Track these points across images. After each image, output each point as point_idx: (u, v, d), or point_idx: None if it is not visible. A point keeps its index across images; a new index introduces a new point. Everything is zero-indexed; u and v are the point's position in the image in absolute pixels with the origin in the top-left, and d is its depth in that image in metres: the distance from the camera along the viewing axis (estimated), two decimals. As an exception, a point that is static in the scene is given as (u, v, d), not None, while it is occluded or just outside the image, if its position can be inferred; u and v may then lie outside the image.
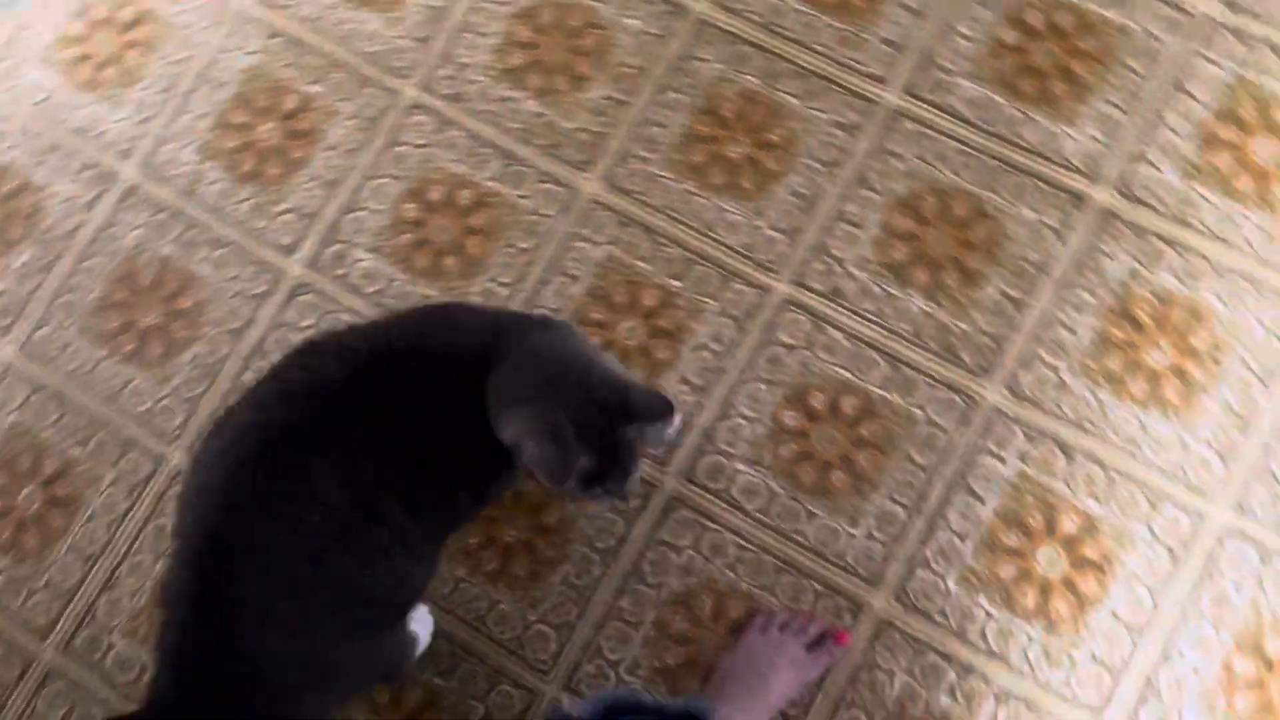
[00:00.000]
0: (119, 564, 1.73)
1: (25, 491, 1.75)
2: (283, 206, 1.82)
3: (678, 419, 1.22)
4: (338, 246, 1.79)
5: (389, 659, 1.41)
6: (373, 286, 1.77)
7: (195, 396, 1.77)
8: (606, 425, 1.22)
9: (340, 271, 1.78)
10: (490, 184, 1.77)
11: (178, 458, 1.73)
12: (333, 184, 1.82)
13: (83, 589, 1.72)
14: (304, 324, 1.75)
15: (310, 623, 1.19)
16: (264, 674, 1.14)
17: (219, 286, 1.79)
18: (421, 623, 1.55)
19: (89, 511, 1.73)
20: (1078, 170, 1.72)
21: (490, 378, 1.23)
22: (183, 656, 1.14)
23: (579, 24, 1.82)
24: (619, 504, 1.59)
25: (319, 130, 1.83)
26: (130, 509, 1.74)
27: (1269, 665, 1.47)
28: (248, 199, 1.82)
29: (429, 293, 1.73)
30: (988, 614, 1.59)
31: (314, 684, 1.21)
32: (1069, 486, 1.63)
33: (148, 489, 1.74)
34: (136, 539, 1.72)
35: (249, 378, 1.73)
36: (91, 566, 1.72)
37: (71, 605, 1.71)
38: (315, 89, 1.84)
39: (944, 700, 1.53)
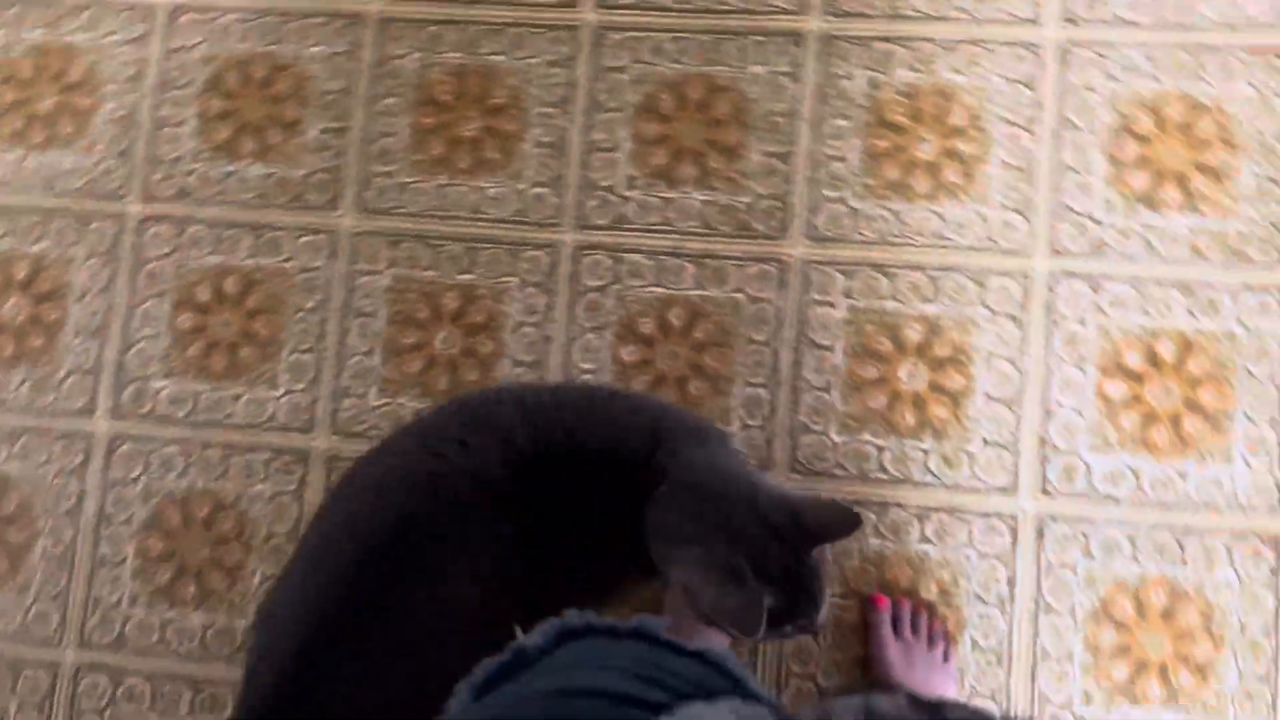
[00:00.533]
0: None
1: None
2: (62, 372, 1.77)
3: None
4: (133, 386, 1.74)
5: None
6: (183, 410, 1.74)
7: (61, 590, 1.72)
8: (788, 555, 1.10)
9: (146, 409, 1.75)
10: (250, 262, 1.73)
11: (71, 655, 1.69)
12: (99, 330, 1.76)
13: None
14: (134, 475, 1.72)
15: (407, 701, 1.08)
16: None
17: (35, 476, 1.74)
18: None
19: None
20: (784, 10, 1.74)
21: (650, 506, 1.12)
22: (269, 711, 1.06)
23: (265, 73, 1.78)
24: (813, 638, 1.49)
25: (63, 284, 1.79)
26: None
27: (1136, 377, 1.53)
28: (23, 381, 1.77)
29: (238, 391, 1.66)
30: (878, 447, 1.64)
31: None
32: (899, 301, 1.67)
33: (55, 697, 1.70)
34: None
35: (105, 550, 1.67)
36: None
37: None
38: (41, 246, 1.78)
39: (873, 543, 1.59)
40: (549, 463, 1.15)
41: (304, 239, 1.67)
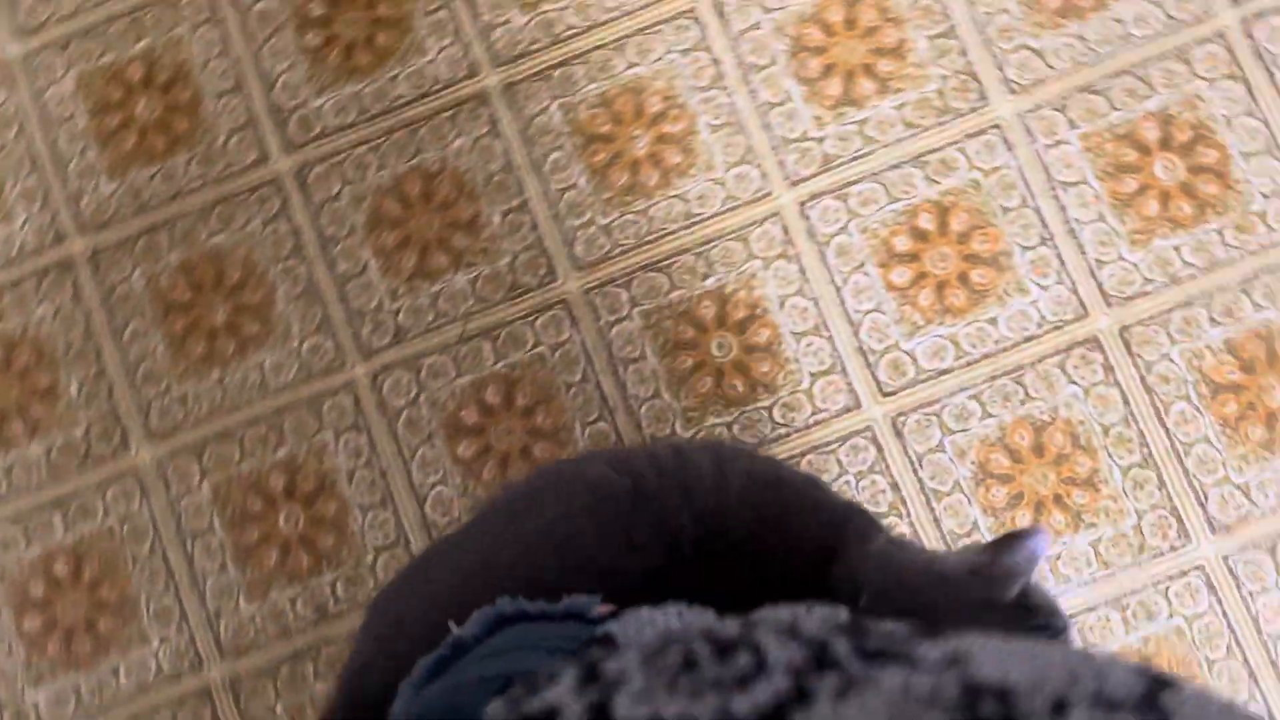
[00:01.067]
0: None
1: None
2: None
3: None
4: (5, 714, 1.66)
5: None
6: (67, 710, 1.71)
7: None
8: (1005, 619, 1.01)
9: None
10: (69, 537, 1.74)
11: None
12: None
13: None
14: None
15: None
16: None
17: None
18: None
19: None
20: (461, 79, 1.80)
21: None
22: None
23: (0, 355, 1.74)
24: None
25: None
26: None
27: (912, 257, 1.69)
28: None
29: (114, 664, 1.66)
30: (725, 424, 1.70)
31: None
32: (682, 288, 1.74)
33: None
34: None
35: None
36: None
37: None
38: None
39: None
40: (718, 556, 1.07)
41: (111, 491, 1.63)
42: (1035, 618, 1.01)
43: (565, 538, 1.12)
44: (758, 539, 1.10)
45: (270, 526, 1.62)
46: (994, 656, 0.53)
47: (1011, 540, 0.98)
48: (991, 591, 0.99)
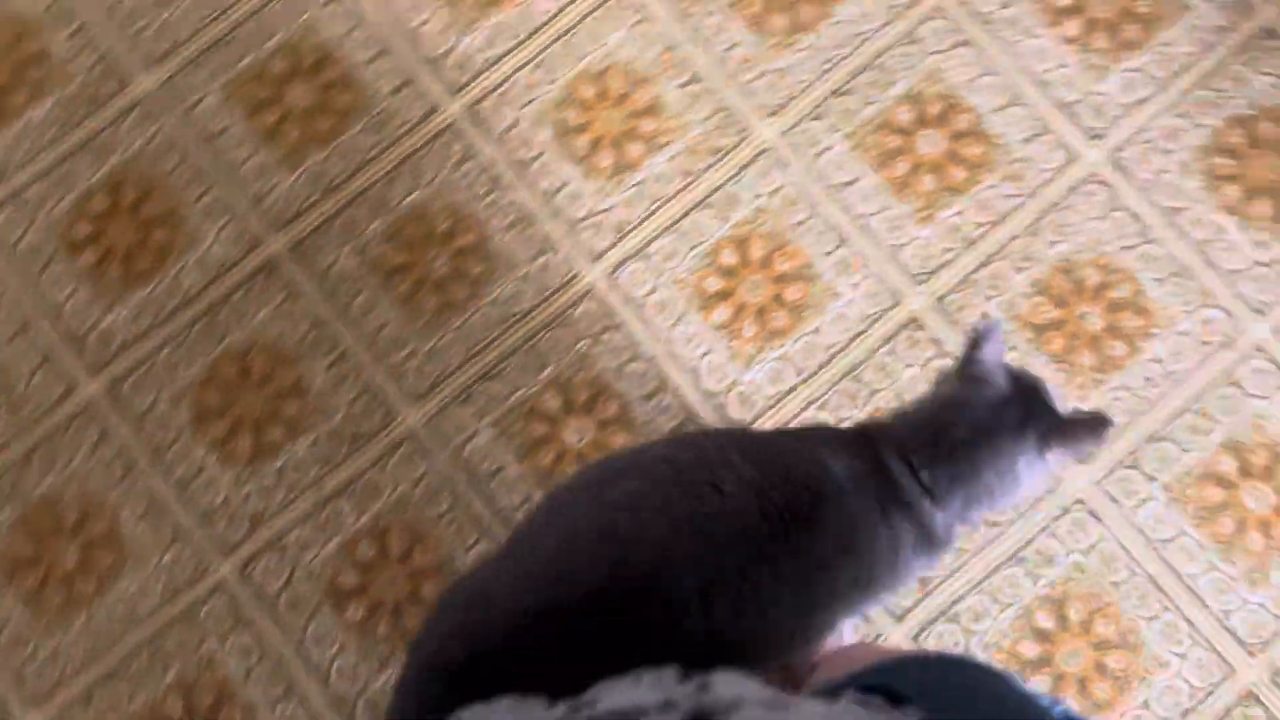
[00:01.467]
0: None
1: None
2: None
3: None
4: None
5: None
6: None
7: None
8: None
9: None
10: None
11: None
12: None
13: None
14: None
15: None
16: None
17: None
18: None
19: None
20: (246, 254, 1.83)
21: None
22: None
23: None
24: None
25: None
26: None
27: (726, 294, 1.73)
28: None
29: None
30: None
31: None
32: (523, 387, 1.79)
33: None
34: None
35: None
36: None
37: None
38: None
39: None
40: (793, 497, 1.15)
41: None
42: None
43: (647, 497, 1.14)
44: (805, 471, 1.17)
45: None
46: None
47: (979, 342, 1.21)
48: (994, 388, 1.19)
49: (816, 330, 1.63)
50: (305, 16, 1.75)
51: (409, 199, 1.71)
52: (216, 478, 1.63)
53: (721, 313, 1.66)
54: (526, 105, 1.72)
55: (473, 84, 1.72)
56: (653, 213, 1.69)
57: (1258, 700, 1.57)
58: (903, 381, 1.60)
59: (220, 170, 1.71)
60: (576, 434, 1.64)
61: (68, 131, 1.74)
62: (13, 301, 1.69)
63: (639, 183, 1.68)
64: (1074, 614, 1.59)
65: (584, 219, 1.69)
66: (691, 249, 1.67)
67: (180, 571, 1.63)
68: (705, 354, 1.64)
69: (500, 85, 1.76)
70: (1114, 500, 1.64)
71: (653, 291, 1.68)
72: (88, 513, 1.64)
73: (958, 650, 1.54)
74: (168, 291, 1.69)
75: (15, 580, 1.61)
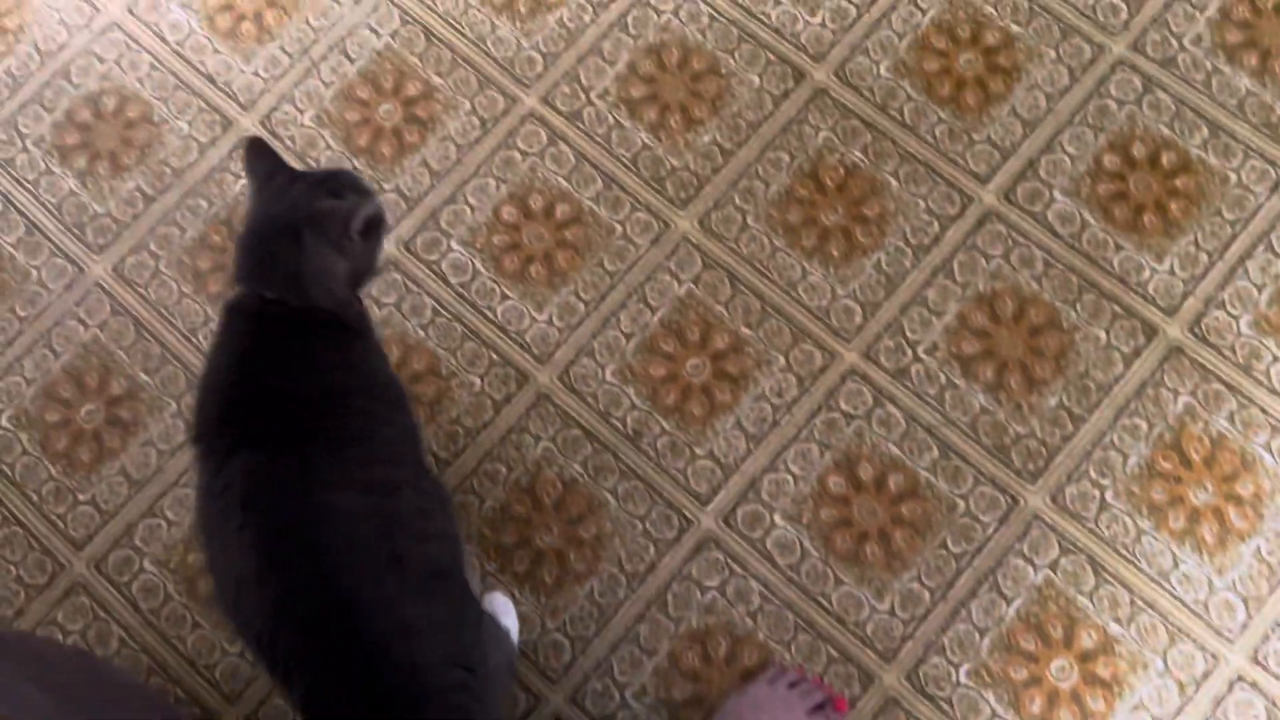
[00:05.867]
0: (165, 493, 1.77)
1: (88, 407, 1.80)
2: (388, 185, 1.88)
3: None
4: (433, 234, 1.86)
5: (504, 649, 1.47)
6: (459, 278, 1.85)
7: None
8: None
9: (431, 257, 1.85)
10: (589, 203, 1.84)
11: None
12: (440, 174, 1.88)
13: (124, 510, 1.77)
14: (385, 300, 1.83)
15: (424, 614, 1.22)
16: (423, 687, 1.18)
17: None
18: (505, 613, 1.58)
19: (145, 438, 1.78)
20: (1155, 303, 1.77)
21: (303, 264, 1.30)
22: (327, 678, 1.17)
23: (700, 68, 1.88)
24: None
25: (436, 120, 1.90)
26: (184, 443, 1.76)
27: None
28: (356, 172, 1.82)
29: (509, 293, 1.83)
30: (994, 712, 1.63)
31: (467, 671, 1.24)
32: (1093, 603, 1.68)
33: None
34: (186, 471, 1.76)
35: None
36: (136, 491, 1.78)
37: (111, 524, 1.77)
38: (439, 81, 1.89)
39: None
40: (253, 350, 1.35)
41: (640, 215, 1.85)
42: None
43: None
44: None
45: (684, 359, 1.78)
46: None
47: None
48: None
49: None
50: None
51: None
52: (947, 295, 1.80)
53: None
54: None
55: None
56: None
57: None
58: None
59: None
60: (1060, 674, 1.68)
61: None
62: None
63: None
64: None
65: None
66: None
67: (838, 316, 1.83)
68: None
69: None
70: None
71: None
72: (876, 220, 1.85)
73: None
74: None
75: (798, 181, 1.84)
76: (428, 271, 1.81)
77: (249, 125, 1.89)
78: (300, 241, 1.25)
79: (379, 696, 1.11)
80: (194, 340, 1.80)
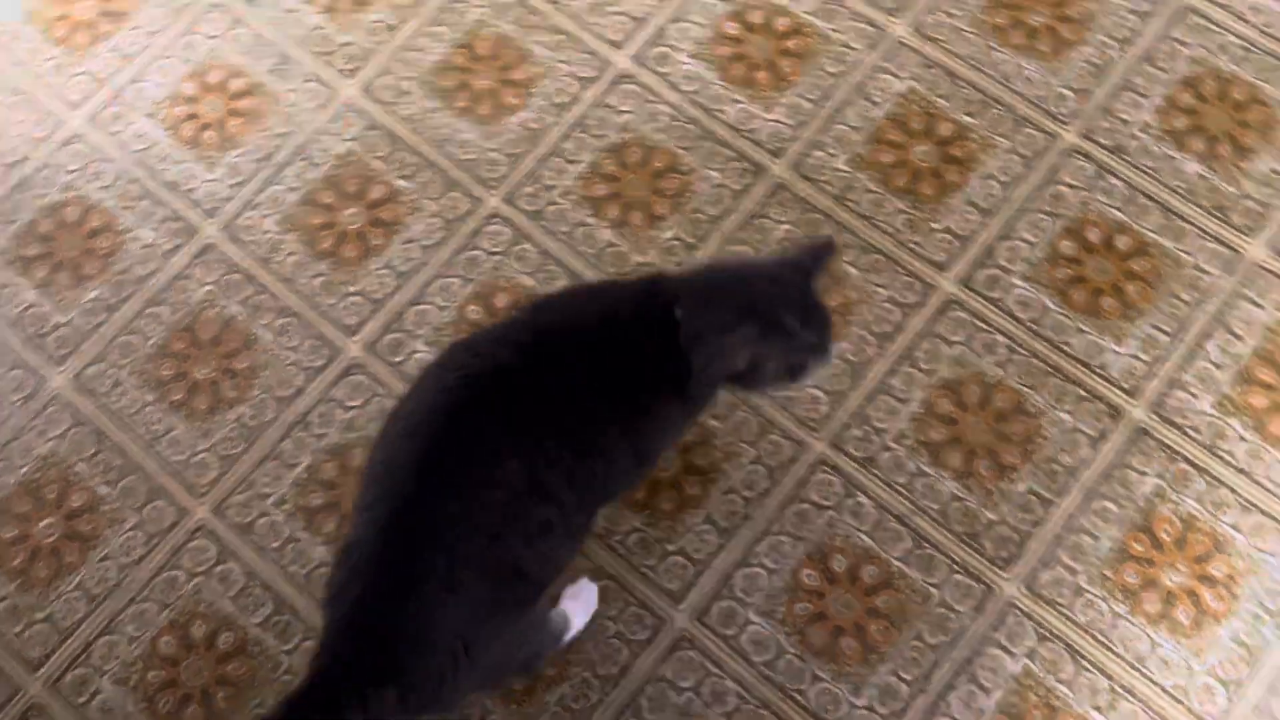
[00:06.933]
0: (123, 609, 1.75)
1: (46, 521, 1.78)
2: (353, 289, 1.89)
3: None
4: (398, 335, 1.86)
5: (533, 645, 1.52)
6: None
7: (232, 455, 1.81)
8: (800, 289, 1.40)
9: (396, 359, 1.85)
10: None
11: (202, 513, 1.77)
12: (404, 275, 1.89)
13: (82, 628, 1.74)
14: (351, 403, 1.82)
15: (476, 597, 1.27)
16: (428, 642, 1.24)
17: (277, 353, 1.85)
18: (581, 598, 1.63)
19: (104, 552, 1.76)
20: (1118, 385, 1.79)
21: (683, 328, 1.36)
22: (359, 615, 1.25)
23: (662, 166, 1.92)
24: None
25: (400, 223, 1.91)
26: (145, 556, 1.76)
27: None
28: (320, 275, 1.90)
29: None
30: None
31: (468, 661, 1.29)
32: (1072, 691, 1.68)
33: (166, 539, 1.77)
34: (146, 586, 1.75)
35: (288, 446, 1.81)
36: (96, 607, 1.75)
37: (69, 642, 1.74)
38: (403, 184, 1.91)
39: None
40: (556, 345, 1.38)
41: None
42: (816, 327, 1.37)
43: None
44: (583, 315, 1.42)
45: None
46: None
47: (814, 244, 1.41)
48: (799, 273, 1.40)
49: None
50: None
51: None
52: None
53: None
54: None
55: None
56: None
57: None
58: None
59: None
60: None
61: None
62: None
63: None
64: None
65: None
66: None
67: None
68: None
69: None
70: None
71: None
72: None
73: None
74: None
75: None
76: (393, 373, 1.79)
77: (212, 232, 1.91)
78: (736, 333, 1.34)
79: (387, 622, 1.22)
80: (155, 449, 1.76)
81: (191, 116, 2.00)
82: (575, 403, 1.32)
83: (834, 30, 1.93)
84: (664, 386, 1.36)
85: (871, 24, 1.95)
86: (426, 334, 1.83)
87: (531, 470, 1.27)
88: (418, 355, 1.82)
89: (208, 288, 1.89)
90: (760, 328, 1.33)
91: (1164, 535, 1.67)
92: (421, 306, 1.86)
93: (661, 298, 1.37)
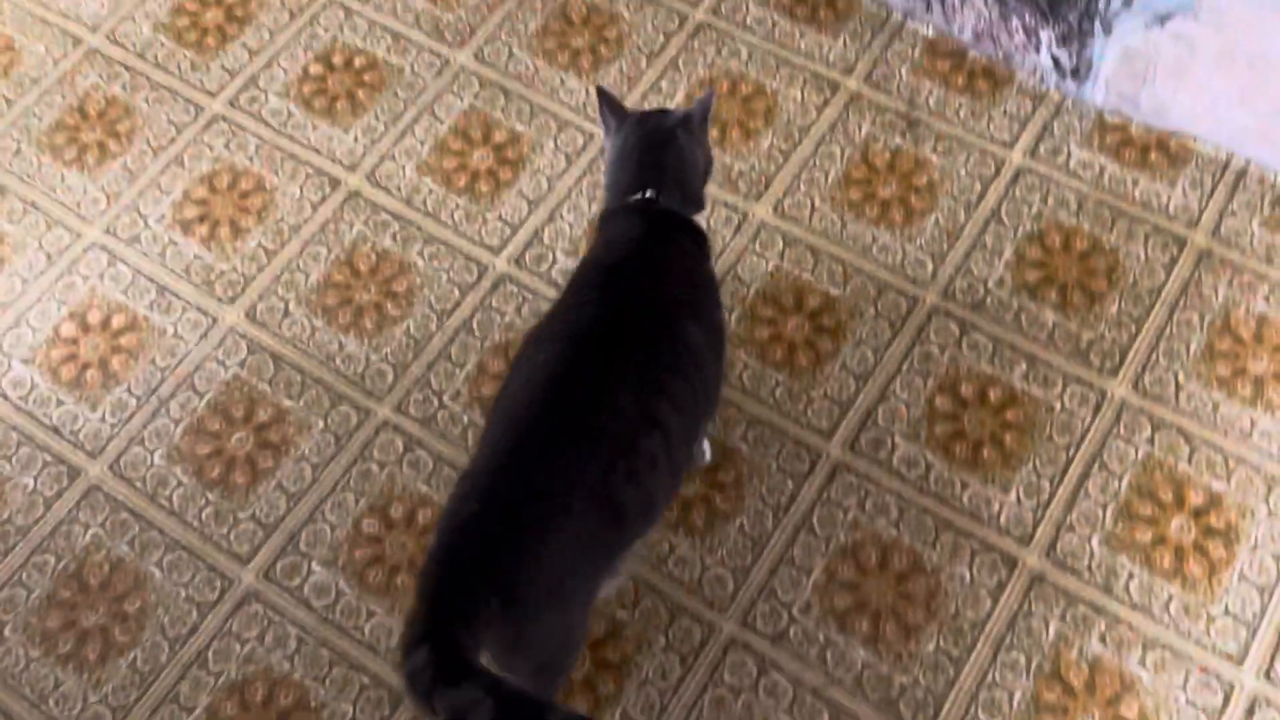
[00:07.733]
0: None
1: None
2: (244, 514, 1.87)
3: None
4: (293, 558, 1.84)
5: (582, 631, 1.58)
6: (322, 600, 1.81)
7: (125, 705, 1.77)
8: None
9: (293, 583, 1.83)
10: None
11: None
12: (296, 495, 1.88)
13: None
14: (247, 635, 1.79)
15: (583, 528, 1.38)
16: (536, 556, 1.33)
17: (169, 590, 1.82)
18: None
19: None
20: (1009, 533, 1.81)
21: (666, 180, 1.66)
22: (474, 525, 1.35)
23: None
24: None
25: (290, 442, 1.91)
26: None
27: None
28: (209, 505, 1.89)
29: (375, 609, 1.79)
30: None
31: (566, 590, 1.38)
32: None
33: None
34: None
35: (185, 688, 1.77)
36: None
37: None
38: (289, 403, 1.91)
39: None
40: (622, 284, 1.60)
41: None
42: None
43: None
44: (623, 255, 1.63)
45: None
46: None
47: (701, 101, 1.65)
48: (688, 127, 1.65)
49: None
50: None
51: None
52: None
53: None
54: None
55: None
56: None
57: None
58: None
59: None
60: None
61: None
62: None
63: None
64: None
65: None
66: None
67: None
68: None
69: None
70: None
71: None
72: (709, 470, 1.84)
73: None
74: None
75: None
76: (290, 599, 1.77)
77: (97, 473, 1.89)
78: (676, 140, 1.60)
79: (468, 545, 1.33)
80: (44, 707, 1.70)
81: (71, 357, 1.99)
82: (661, 326, 1.49)
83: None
84: (701, 270, 1.61)
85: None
86: (322, 553, 1.80)
87: (641, 400, 1.40)
88: (313, 578, 1.79)
89: (94, 531, 1.85)
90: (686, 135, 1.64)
91: (1074, 680, 1.70)
92: (316, 526, 1.84)
93: (653, 203, 1.58)
